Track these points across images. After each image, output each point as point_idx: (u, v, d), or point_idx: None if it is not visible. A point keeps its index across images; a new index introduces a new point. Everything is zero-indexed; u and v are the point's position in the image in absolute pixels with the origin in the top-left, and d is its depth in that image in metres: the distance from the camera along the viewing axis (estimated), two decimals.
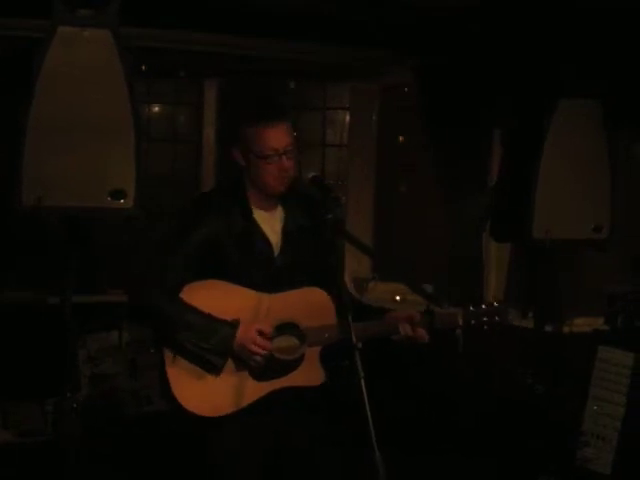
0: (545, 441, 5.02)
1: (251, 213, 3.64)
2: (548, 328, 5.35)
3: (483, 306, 3.84)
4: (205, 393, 3.49)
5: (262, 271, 3.61)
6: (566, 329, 5.55)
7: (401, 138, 7.11)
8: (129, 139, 4.05)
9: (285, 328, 3.60)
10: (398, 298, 3.97)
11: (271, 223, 3.68)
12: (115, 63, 4.01)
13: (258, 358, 3.50)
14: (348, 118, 7.59)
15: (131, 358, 6.02)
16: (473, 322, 3.83)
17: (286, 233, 3.68)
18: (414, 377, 6.24)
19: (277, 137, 3.57)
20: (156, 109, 7.26)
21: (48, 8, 3.89)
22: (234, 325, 3.48)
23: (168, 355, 3.51)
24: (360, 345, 3.26)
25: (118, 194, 4.03)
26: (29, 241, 5.94)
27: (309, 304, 3.63)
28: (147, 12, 5.27)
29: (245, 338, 3.47)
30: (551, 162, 4.83)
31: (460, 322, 3.80)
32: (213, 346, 3.46)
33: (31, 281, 6.06)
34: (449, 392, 6.13)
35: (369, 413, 3.16)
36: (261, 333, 3.50)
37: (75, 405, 4.19)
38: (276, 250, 3.66)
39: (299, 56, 6.61)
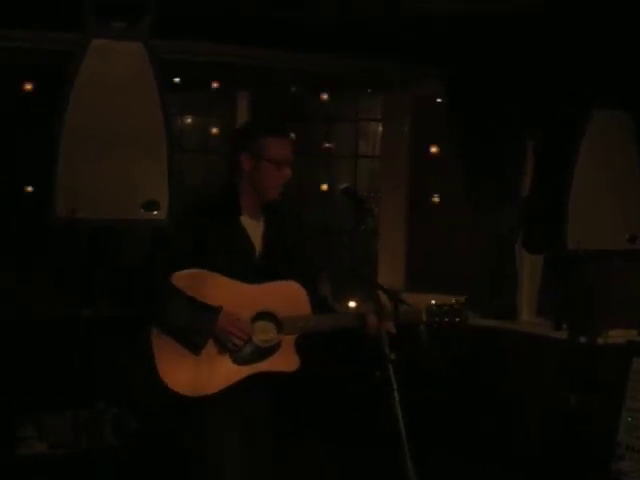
0: (579, 453, 4.99)
1: (240, 218, 4.01)
2: (582, 339, 5.32)
3: (445, 307, 4.16)
4: (187, 372, 3.81)
5: (245, 268, 3.97)
6: (600, 340, 5.52)
7: (434, 149, 7.11)
8: (162, 150, 4.08)
9: (264, 317, 3.94)
10: (434, 302, 4.15)
11: (255, 229, 4.05)
12: (148, 75, 4.05)
13: (236, 341, 3.83)
14: (380, 129, 7.59)
15: None
16: (437, 320, 4.15)
17: (266, 240, 4.06)
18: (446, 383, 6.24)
19: (289, 149, 4.01)
20: (188, 120, 7.28)
21: (83, 22, 3.94)
22: (217, 310, 3.82)
23: (155, 333, 3.81)
24: (394, 357, 3.51)
25: (151, 205, 4.06)
26: (61, 253, 5.97)
27: (286, 296, 4.00)
28: (178, 25, 5.30)
29: (226, 322, 3.81)
30: (584, 172, 4.81)
31: (424, 319, 4.14)
32: (197, 326, 3.79)
33: (63, 293, 6.08)
34: (481, 402, 6.11)
35: (402, 424, 3.35)
36: (240, 319, 3.84)
37: (108, 417, 4.21)
38: (258, 251, 4.04)
39: (308, 67, 6.66)
